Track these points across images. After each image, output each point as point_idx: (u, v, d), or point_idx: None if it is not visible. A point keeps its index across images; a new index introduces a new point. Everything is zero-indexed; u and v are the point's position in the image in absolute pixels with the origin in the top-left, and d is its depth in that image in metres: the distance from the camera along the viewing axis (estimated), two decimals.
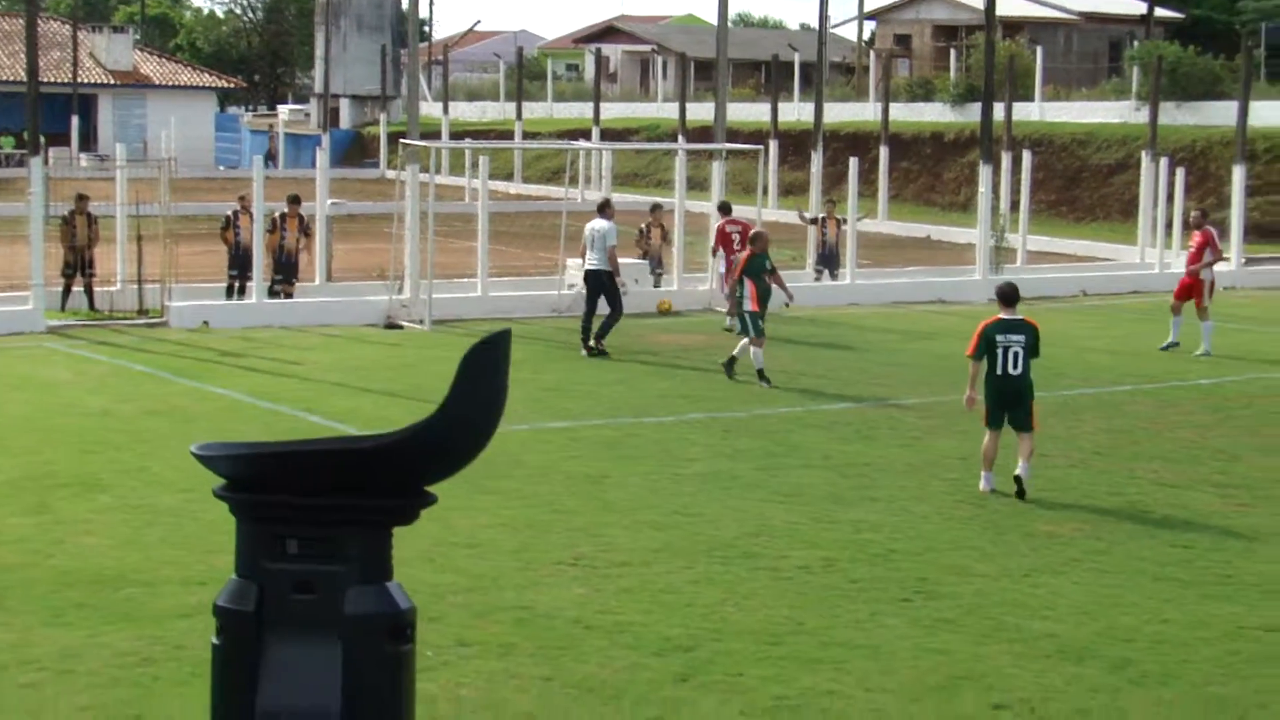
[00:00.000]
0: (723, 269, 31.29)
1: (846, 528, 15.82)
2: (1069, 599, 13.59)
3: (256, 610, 2.53)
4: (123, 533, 15.15)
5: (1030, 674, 11.68)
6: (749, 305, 24.56)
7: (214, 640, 2.48)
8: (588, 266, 27.53)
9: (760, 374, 24.18)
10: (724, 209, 32.70)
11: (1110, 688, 11.47)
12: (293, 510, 2.58)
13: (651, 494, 17.06)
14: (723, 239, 31.35)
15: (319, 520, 2.51)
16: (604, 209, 27.94)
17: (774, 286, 25.20)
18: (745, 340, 24.67)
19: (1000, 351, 17.53)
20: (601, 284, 27.21)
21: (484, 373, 2.47)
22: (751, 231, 25.59)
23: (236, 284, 31.78)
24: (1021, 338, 17.59)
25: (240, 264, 31.52)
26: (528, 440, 19.71)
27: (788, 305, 27.89)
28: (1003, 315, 17.81)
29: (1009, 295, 17.98)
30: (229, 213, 32.22)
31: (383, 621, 2.52)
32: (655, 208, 36.09)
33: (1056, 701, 11.15)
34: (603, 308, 27.17)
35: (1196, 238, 29.13)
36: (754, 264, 24.79)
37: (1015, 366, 17.55)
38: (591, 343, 26.79)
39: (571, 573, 14.08)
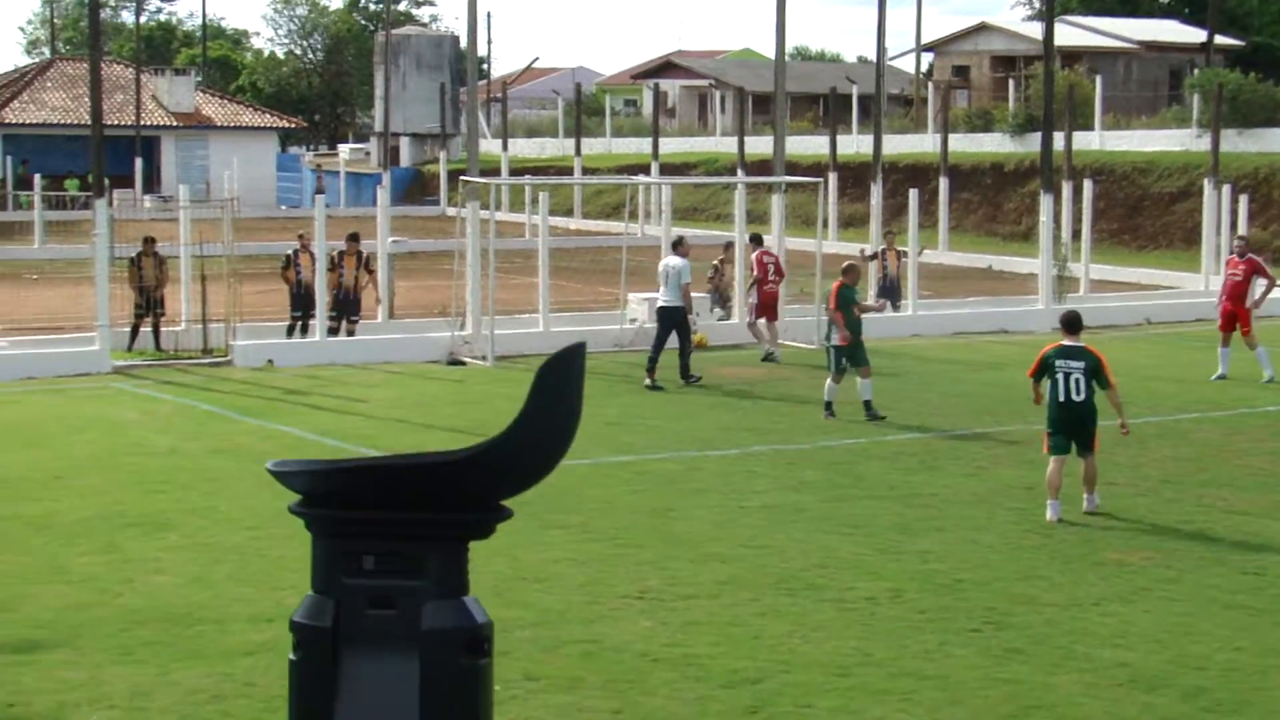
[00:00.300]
0: (753, 299, 31.46)
1: (913, 558, 15.76)
2: (1140, 627, 13.50)
3: (334, 626, 2.53)
4: (191, 570, 15.22)
5: (1102, 703, 11.60)
6: (836, 340, 23.97)
7: (291, 656, 2.48)
8: (660, 303, 27.70)
9: (866, 405, 23.91)
10: (755, 240, 32.84)
11: (1183, 716, 11.38)
12: (369, 525, 2.58)
13: (717, 527, 17.04)
14: (760, 269, 31.52)
15: (395, 535, 2.51)
16: (678, 246, 28.19)
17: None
18: (829, 380, 24.25)
19: (1060, 377, 17.73)
20: (673, 320, 27.36)
21: (559, 386, 2.47)
22: (845, 264, 24.93)
23: (299, 323, 31.92)
24: (1081, 364, 17.75)
25: (303, 303, 31.66)
26: (591, 475, 19.72)
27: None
28: (1065, 342, 18.03)
29: (1072, 323, 18.22)
30: (289, 252, 32.38)
31: (460, 636, 2.52)
32: (729, 245, 36.11)
33: None
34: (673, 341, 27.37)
35: (1242, 267, 28.74)
36: (844, 296, 24.05)
37: (1078, 393, 17.67)
38: (681, 379, 27.21)
39: (639, 606, 14.07)
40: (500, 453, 2.42)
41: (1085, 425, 17.72)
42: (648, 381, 26.89)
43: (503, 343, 30.57)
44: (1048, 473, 17.63)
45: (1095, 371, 17.75)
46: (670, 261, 27.68)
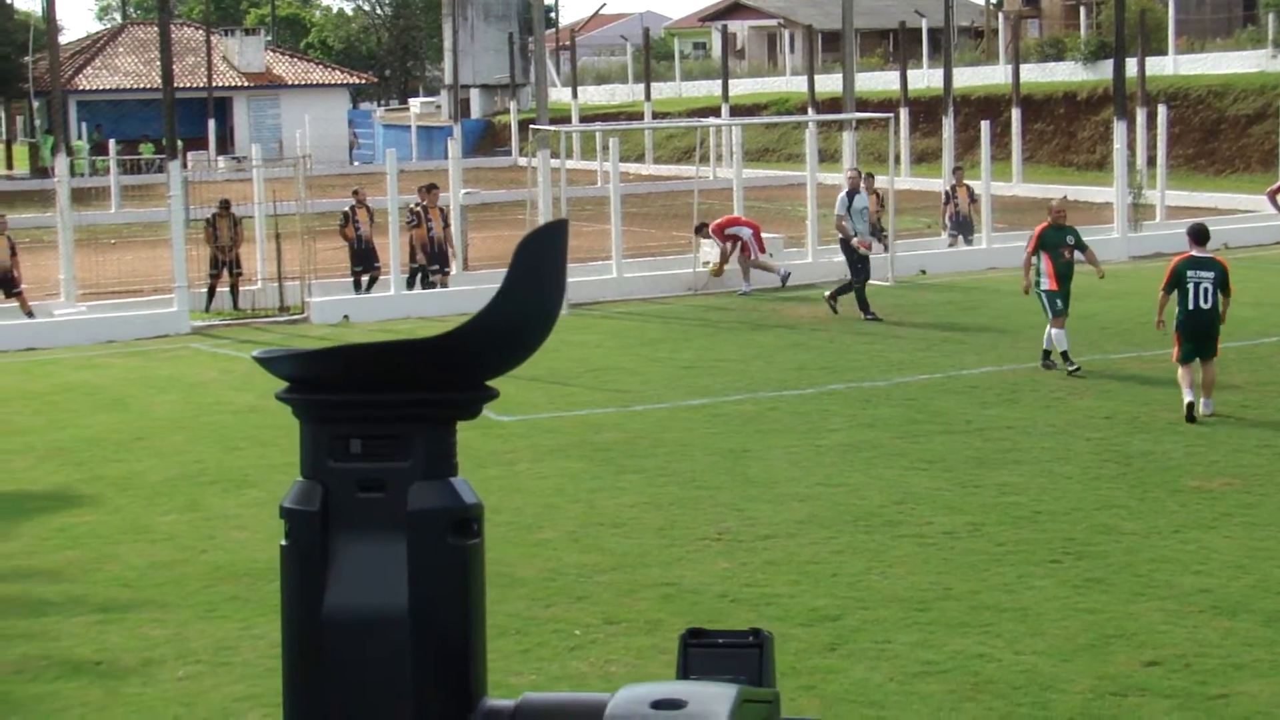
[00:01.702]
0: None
1: (991, 491, 15.72)
2: (1220, 554, 13.44)
3: (322, 510, 2.58)
4: (272, 526, 15.29)
5: (1183, 630, 11.57)
6: (1047, 284, 22.00)
7: (282, 543, 2.53)
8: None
9: (1064, 356, 21.94)
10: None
11: (1266, 640, 11.33)
12: (355, 409, 2.62)
13: (793, 467, 17.04)
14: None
15: (381, 418, 2.56)
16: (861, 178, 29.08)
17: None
18: (1049, 327, 22.25)
19: (1191, 287, 18.61)
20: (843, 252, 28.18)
21: (540, 261, 2.48)
22: (1053, 201, 23.28)
23: (360, 278, 31.99)
24: (1211, 274, 18.66)
25: (364, 258, 31.74)
26: (667, 419, 19.75)
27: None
28: (1193, 252, 18.88)
29: (1200, 234, 19.17)
30: (346, 209, 32.39)
31: (447, 516, 2.56)
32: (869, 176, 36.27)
33: (1211, 657, 11.04)
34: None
35: None
36: (1048, 237, 22.11)
37: (1205, 300, 18.56)
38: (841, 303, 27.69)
39: (716, 548, 14.11)
40: (484, 330, 2.44)
41: (1211, 332, 18.68)
42: (864, 316, 27.19)
43: (576, 290, 30.59)
44: (1179, 377, 18.75)
45: (1223, 281, 18.69)
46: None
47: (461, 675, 2.59)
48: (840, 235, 27.84)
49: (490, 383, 2.70)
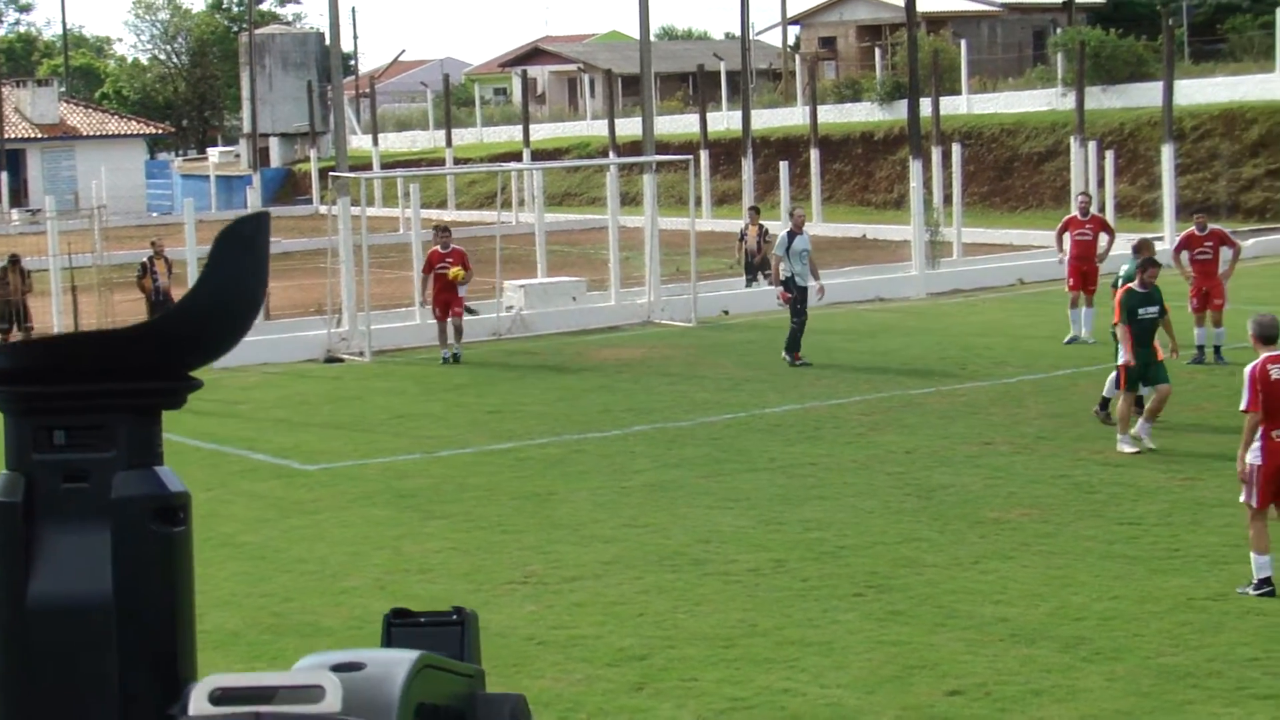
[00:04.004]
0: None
1: (795, 528, 15.85)
2: (1019, 583, 13.65)
3: (25, 501, 2.57)
4: None
5: (984, 659, 11.73)
6: (1122, 357, 19.15)
7: None
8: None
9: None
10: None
11: (1063, 666, 11.52)
12: (56, 400, 2.61)
13: (599, 508, 17.06)
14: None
15: (83, 408, 2.54)
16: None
17: None
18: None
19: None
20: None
21: (240, 251, 2.48)
22: (1144, 257, 19.98)
23: None
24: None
25: (162, 309, 31.33)
26: (472, 463, 19.70)
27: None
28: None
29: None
30: (144, 260, 32.04)
31: (150, 503, 2.56)
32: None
33: (1010, 684, 11.20)
34: None
35: (1089, 225, 28.38)
36: (1128, 304, 19.14)
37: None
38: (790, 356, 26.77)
39: (523, 591, 14.08)
40: (183, 319, 2.45)
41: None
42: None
43: (380, 338, 30.43)
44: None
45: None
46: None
47: (168, 661, 2.58)
48: (779, 274, 26.88)
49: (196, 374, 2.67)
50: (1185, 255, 25.72)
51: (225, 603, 14.08)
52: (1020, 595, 13.29)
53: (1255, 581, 13.18)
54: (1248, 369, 13.51)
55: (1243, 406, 13.36)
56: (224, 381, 27.54)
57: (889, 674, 11.50)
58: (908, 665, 11.66)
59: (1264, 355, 13.44)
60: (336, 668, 2.44)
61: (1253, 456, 13.24)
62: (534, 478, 18.75)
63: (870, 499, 16.95)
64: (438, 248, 28.85)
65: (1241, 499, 13.49)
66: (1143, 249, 21.15)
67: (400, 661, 2.50)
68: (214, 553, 15.68)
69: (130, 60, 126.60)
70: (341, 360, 29.67)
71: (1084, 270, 28.14)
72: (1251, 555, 13.30)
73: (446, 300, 28.48)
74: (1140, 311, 18.99)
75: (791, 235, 26.89)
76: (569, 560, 14.99)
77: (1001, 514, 16.09)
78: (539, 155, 65.97)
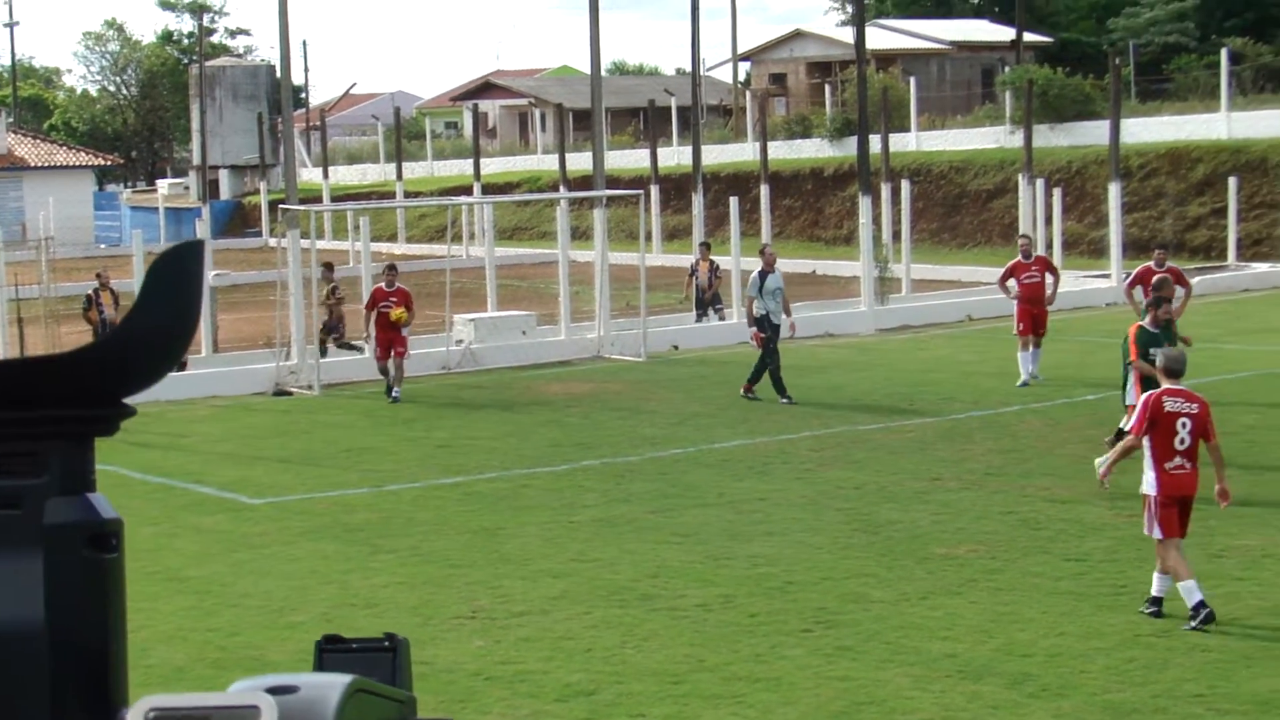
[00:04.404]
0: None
1: (743, 563, 15.85)
2: (966, 619, 13.69)
3: None
4: None
5: (930, 695, 11.75)
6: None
7: None
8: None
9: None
10: None
11: (1010, 703, 11.55)
12: None
13: (547, 543, 17.04)
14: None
15: (14, 435, 2.55)
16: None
17: None
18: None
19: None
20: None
21: (174, 278, 2.50)
22: (1156, 296, 20.24)
23: None
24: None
25: None
26: (421, 498, 19.66)
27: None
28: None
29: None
30: (89, 292, 31.88)
31: (83, 530, 2.58)
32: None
33: None
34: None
35: (1035, 266, 28.63)
36: (1143, 340, 19.17)
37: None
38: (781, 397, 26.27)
39: (470, 626, 14.05)
40: (117, 345, 2.46)
41: None
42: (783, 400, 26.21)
43: (329, 371, 30.36)
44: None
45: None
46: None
47: (100, 687, 2.59)
48: (753, 314, 26.76)
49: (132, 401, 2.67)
50: (1139, 290, 25.61)
51: (171, 637, 14.01)
52: (967, 631, 13.33)
53: (1149, 598, 13.75)
54: (1144, 395, 14.27)
55: (1129, 428, 14.13)
56: (171, 414, 27.44)
57: (836, 709, 11.51)
58: (855, 701, 11.68)
59: (1164, 387, 14.02)
60: (271, 690, 2.45)
61: (1148, 488, 13.78)
62: (482, 512, 18.72)
63: (818, 534, 16.97)
64: (382, 285, 28.78)
65: (1145, 532, 13.97)
66: (1161, 287, 21.16)
67: (333, 685, 2.51)
68: (160, 587, 15.61)
69: (79, 91, 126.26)
70: (290, 394, 29.57)
71: (1034, 314, 28.12)
72: (1155, 575, 13.78)
73: (389, 340, 28.37)
74: (1153, 350, 18.34)
75: (764, 274, 26.80)
76: (517, 595, 14.96)
77: (949, 550, 16.13)
78: (490, 189, 65.98)
